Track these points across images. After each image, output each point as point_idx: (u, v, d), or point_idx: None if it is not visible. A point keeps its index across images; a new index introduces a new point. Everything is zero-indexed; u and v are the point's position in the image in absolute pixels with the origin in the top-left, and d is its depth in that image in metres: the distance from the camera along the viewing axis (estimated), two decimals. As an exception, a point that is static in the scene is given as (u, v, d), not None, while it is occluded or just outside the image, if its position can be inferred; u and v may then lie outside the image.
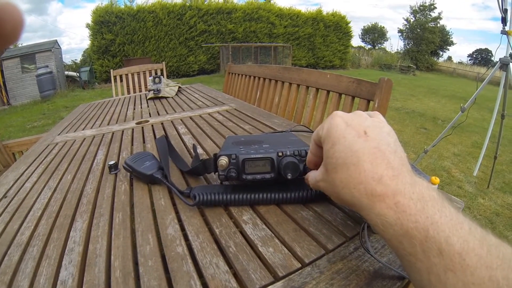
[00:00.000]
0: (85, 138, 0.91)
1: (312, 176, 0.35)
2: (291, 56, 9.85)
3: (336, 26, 11.86)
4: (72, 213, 0.47)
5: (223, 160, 0.42)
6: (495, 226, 1.77)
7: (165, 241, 0.37)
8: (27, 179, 0.64)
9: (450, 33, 21.41)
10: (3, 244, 0.41)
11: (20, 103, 6.76)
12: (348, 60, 12.78)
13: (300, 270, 0.31)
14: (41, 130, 3.81)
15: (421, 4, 18.76)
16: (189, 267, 0.33)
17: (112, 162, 0.61)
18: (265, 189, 0.43)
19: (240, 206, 0.44)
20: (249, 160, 0.42)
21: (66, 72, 8.71)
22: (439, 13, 18.87)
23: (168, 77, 2.87)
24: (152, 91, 1.50)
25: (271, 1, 11.20)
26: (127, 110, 1.29)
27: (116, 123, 1.07)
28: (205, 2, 9.20)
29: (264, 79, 1.51)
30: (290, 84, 1.28)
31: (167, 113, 1.15)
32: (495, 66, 1.94)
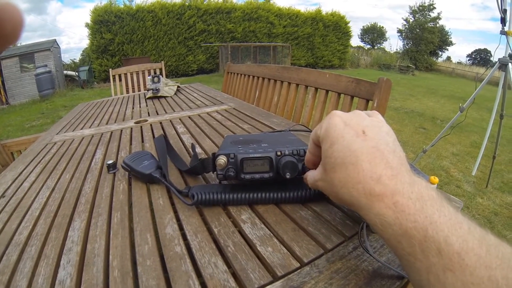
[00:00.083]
0: (83, 138, 0.90)
1: (311, 176, 0.35)
2: (290, 55, 9.85)
3: (335, 26, 11.86)
4: (70, 213, 0.47)
5: (222, 160, 0.42)
6: (494, 226, 1.77)
7: (163, 241, 0.37)
8: (25, 179, 0.64)
9: (449, 33, 21.46)
10: (1, 244, 0.41)
11: (19, 102, 6.74)
12: (347, 60, 12.78)
13: (299, 270, 0.31)
14: (40, 130, 3.80)
15: (420, 4, 18.78)
16: (187, 266, 0.33)
17: (110, 162, 0.61)
18: (263, 189, 0.43)
19: (238, 206, 0.44)
20: (248, 160, 0.42)
21: (65, 72, 8.68)
22: (438, 13, 18.90)
23: (167, 76, 2.87)
24: (151, 91, 1.50)
25: (270, 1, 11.21)
26: (125, 110, 1.28)
27: (115, 122, 1.07)
28: (205, 2, 9.19)
29: (263, 78, 1.51)
30: (289, 83, 1.28)
31: (166, 112, 1.15)
32: (494, 66, 1.94)
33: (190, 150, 0.70)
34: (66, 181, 0.59)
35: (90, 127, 1.04)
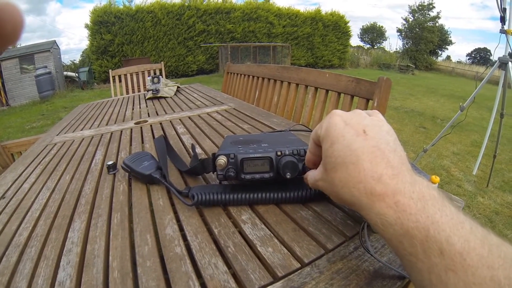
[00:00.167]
0: (83, 139, 0.90)
1: (311, 176, 0.35)
2: (290, 55, 9.85)
3: (335, 26, 11.87)
4: (70, 214, 0.47)
5: (222, 160, 0.42)
6: (495, 225, 1.77)
7: (163, 242, 0.37)
8: (26, 180, 0.64)
9: (448, 33, 21.50)
10: (1, 245, 0.40)
11: (19, 104, 6.75)
12: (347, 60, 12.79)
13: (300, 270, 0.31)
14: (40, 131, 3.80)
15: (420, 3, 18.81)
16: (187, 267, 0.32)
17: (110, 162, 0.61)
18: (264, 189, 0.43)
19: (239, 206, 0.43)
20: (248, 160, 0.42)
21: (65, 73, 8.70)
22: (438, 13, 18.94)
23: (167, 77, 2.87)
24: (151, 91, 1.50)
25: (270, 1, 11.21)
26: (125, 110, 1.28)
27: (115, 123, 1.07)
28: (204, 2, 9.20)
29: (263, 78, 1.51)
30: (289, 83, 1.28)
31: (165, 113, 1.15)
32: (494, 65, 1.94)
33: (190, 150, 0.70)
34: (66, 182, 0.59)
35: (90, 128, 1.04)
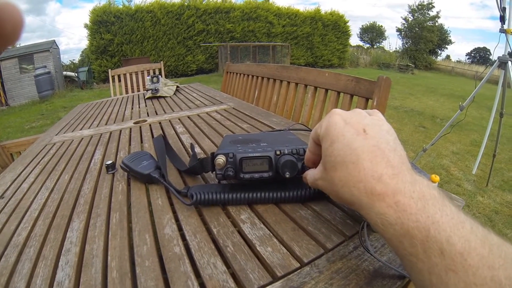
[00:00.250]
0: (82, 138, 0.90)
1: (311, 175, 0.34)
2: (290, 55, 9.85)
3: (335, 25, 11.86)
4: (69, 214, 0.47)
5: (221, 159, 0.42)
6: (494, 224, 1.77)
7: (162, 241, 0.37)
8: (24, 180, 0.64)
9: (448, 32, 21.50)
10: (0, 245, 0.40)
11: (19, 104, 6.74)
12: (346, 59, 12.78)
13: (299, 270, 0.31)
14: (40, 131, 3.79)
15: (420, 3, 18.81)
16: (186, 267, 0.32)
17: (109, 162, 0.61)
18: (263, 188, 0.43)
19: (238, 206, 0.43)
20: (247, 159, 0.42)
21: (64, 72, 8.69)
22: (437, 12, 18.94)
23: (166, 77, 2.87)
24: (150, 91, 1.49)
25: (270, 1, 11.20)
26: (125, 110, 1.28)
27: (114, 123, 1.07)
28: (204, 2, 9.19)
29: (263, 78, 1.51)
30: (289, 82, 1.28)
31: (165, 112, 1.15)
32: (494, 65, 1.94)
33: (189, 150, 0.70)
34: (65, 182, 0.59)
35: (89, 128, 1.04)
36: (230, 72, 1.96)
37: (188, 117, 1.02)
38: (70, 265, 0.35)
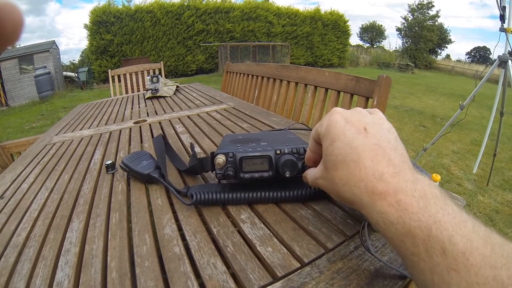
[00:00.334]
0: (82, 138, 0.90)
1: (311, 174, 0.34)
2: (290, 55, 9.85)
3: (334, 25, 11.87)
4: (68, 214, 0.46)
5: (220, 159, 0.41)
6: (495, 224, 1.77)
7: (162, 241, 0.37)
8: (24, 180, 0.64)
9: (448, 31, 21.50)
10: (0, 245, 0.40)
11: (19, 104, 6.74)
12: (346, 59, 12.79)
13: (300, 270, 0.31)
14: (40, 131, 3.79)
15: (419, 2, 18.81)
16: (186, 267, 0.32)
17: (109, 162, 0.60)
18: (263, 188, 0.43)
19: (238, 205, 0.43)
20: (247, 158, 0.42)
21: (64, 73, 8.70)
22: (437, 11, 18.95)
23: (166, 77, 2.87)
24: (150, 91, 1.49)
25: (269, 0, 11.20)
26: (125, 110, 1.28)
27: (114, 123, 1.07)
28: (203, 2, 9.19)
29: (262, 77, 1.51)
30: (288, 82, 1.27)
31: (165, 112, 1.14)
32: (494, 64, 1.94)
33: (189, 149, 0.69)
34: (65, 182, 0.59)
35: (89, 128, 1.04)
36: (230, 72, 1.96)
37: (188, 117, 1.02)
38: (70, 266, 0.34)
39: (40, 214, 0.48)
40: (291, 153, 0.42)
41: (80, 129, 1.03)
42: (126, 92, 2.27)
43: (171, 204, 0.46)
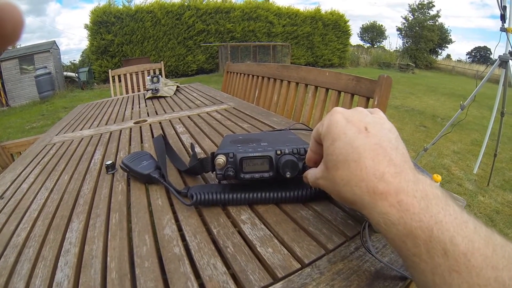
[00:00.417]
0: (82, 138, 0.90)
1: (312, 174, 0.34)
2: (290, 55, 9.84)
3: (335, 25, 11.87)
4: (68, 214, 0.46)
5: (221, 159, 0.41)
6: (495, 224, 1.77)
7: (162, 242, 0.37)
8: (24, 180, 0.64)
9: (448, 31, 21.50)
10: (-1, 245, 0.40)
11: (19, 104, 6.75)
12: (347, 59, 12.79)
13: (300, 271, 0.31)
14: (40, 131, 3.79)
15: (420, 2, 18.81)
16: (186, 268, 0.32)
17: (109, 162, 0.60)
18: (263, 188, 0.43)
19: (238, 206, 0.43)
20: (247, 159, 0.42)
21: (64, 73, 8.71)
22: (438, 11, 18.95)
23: (166, 77, 2.87)
24: (151, 91, 1.49)
25: (270, 0, 11.21)
26: (125, 110, 1.28)
27: (114, 123, 1.07)
28: (204, 2, 9.19)
29: (263, 77, 1.50)
30: (289, 82, 1.27)
31: (165, 112, 1.14)
32: (494, 64, 1.94)
33: (189, 150, 0.69)
34: (65, 182, 0.59)
35: (89, 128, 1.04)
36: (231, 72, 1.96)
37: (188, 117, 1.02)
38: (69, 266, 0.34)
39: (40, 214, 0.48)
40: (291, 154, 0.42)
41: (81, 129, 1.03)
42: (127, 92, 2.27)
43: (171, 205, 0.46)
